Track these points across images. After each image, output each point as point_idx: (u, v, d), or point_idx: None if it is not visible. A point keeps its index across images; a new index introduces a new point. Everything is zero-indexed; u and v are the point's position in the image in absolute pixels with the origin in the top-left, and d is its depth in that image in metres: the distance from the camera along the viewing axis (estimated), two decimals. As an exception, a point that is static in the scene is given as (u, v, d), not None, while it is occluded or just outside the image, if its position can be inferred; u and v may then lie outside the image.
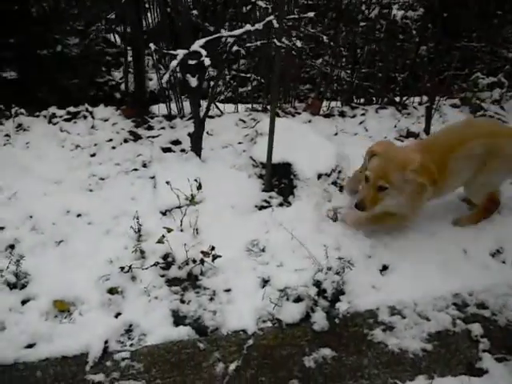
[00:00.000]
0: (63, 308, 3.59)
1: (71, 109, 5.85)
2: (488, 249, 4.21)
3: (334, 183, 4.76)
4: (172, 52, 3.76)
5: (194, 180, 4.13)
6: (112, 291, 3.70)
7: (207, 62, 3.59)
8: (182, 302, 3.69)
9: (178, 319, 3.56)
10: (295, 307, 3.61)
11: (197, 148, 4.92)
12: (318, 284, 3.75)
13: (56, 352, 3.30)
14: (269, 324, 3.56)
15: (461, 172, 4.16)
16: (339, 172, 4.83)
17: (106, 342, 3.36)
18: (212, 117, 5.82)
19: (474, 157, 4.08)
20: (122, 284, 3.76)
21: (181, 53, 3.68)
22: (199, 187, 4.12)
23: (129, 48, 5.91)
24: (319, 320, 3.56)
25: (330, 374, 3.27)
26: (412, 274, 3.94)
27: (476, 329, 3.60)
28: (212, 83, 5.41)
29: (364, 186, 3.92)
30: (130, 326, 3.50)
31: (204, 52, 3.66)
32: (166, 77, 3.72)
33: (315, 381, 3.22)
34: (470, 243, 4.21)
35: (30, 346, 3.33)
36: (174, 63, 3.68)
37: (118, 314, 3.58)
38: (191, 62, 3.92)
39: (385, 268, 4.02)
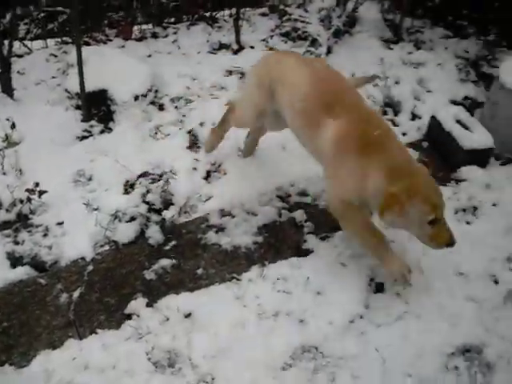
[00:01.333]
0: None
1: None
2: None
3: (152, 103, 4.81)
4: None
5: (6, 119, 4.00)
6: None
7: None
8: (16, 243, 3.65)
9: (15, 261, 3.55)
10: (129, 227, 3.73)
11: (8, 89, 4.73)
12: (147, 201, 3.88)
13: None
14: (106, 247, 3.65)
15: None
16: (156, 91, 4.87)
17: None
18: (21, 56, 5.58)
19: None
20: None
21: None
22: (13, 126, 4.00)
23: None
24: (154, 234, 3.71)
25: (170, 282, 3.46)
26: (238, 177, 4.18)
27: (300, 215, 3.93)
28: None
29: (435, 227, 3.09)
30: (-34, 276, 3.45)
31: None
32: None
33: (158, 290, 3.40)
34: (288, 140, 4.45)
35: None
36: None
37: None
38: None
39: (209, 175, 4.22)
